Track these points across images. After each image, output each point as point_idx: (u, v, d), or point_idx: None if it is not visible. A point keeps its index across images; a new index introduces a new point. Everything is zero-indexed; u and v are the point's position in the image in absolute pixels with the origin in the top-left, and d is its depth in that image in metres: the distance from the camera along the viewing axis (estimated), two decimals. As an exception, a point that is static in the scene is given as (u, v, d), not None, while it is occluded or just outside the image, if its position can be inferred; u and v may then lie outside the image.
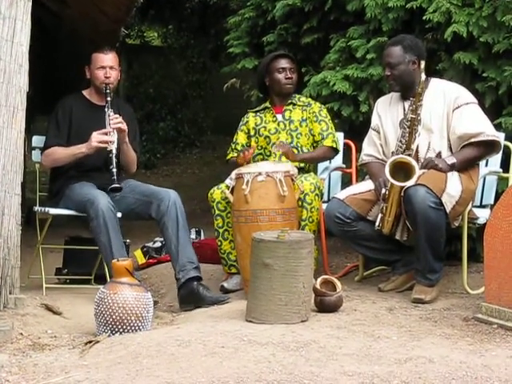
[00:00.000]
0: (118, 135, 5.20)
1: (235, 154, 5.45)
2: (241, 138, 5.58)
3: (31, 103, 4.88)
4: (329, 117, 5.49)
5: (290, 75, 5.42)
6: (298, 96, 5.55)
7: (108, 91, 5.28)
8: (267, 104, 5.57)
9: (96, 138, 5.14)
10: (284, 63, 5.44)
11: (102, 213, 4.93)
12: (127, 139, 5.28)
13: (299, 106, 5.48)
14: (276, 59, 5.47)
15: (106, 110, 5.23)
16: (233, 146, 5.58)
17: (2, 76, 4.50)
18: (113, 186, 5.06)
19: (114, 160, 5.12)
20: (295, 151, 5.34)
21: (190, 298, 4.86)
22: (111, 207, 4.98)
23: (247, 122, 5.58)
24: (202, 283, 4.95)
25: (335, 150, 5.46)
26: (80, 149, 5.18)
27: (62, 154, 5.24)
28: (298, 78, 5.54)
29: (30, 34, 4.63)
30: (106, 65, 5.32)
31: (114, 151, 5.14)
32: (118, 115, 5.24)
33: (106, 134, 5.16)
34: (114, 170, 5.09)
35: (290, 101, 5.49)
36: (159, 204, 5.10)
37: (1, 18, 4.49)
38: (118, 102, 5.43)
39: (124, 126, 5.21)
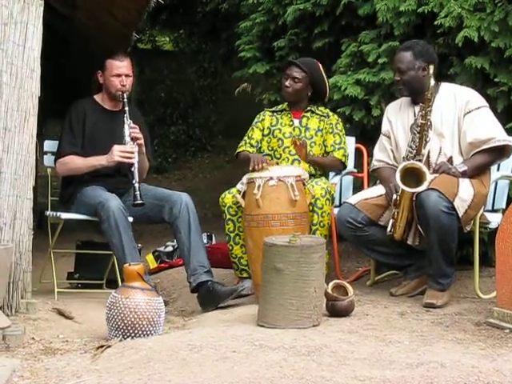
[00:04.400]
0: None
1: (248, 148, 5.40)
2: (256, 134, 5.49)
3: (42, 107, 4.88)
4: (344, 131, 5.45)
5: (288, 83, 5.38)
6: (316, 105, 5.53)
7: (125, 100, 5.23)
8: (285, 106, 5.55)
9: (118, 152, 5.10)
10: (289, 70, 5.41)
11: (113, 214, 4.91)
12: (144, 149, 5.26)
13: (317, 115, 5.45)
14: (287, 66, 5.48)
15: (126, 120, 5.18)
16: (247, 140, 5.49)
17: (13, 81, 4.51)
18: (136, 202, 5.01)
19: (137, 174, 5.06)
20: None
21: (208, 298, 4.87)
22: (122, 209, 4.97)
23: (263, 119, 5.54)
24: (215, 281, 4.96)
25: (343, 165, 5.43)
26: (100, 161, 5.15)
27: (79, 164, 5.19)
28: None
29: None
30: (122, 72, 5.27)
31: (136, 164, 5.08)
32: (137, 126, 5.21)
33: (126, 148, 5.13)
34: (137, 184, 5.03)
35: (308, 108, 5.47)
36: (172, 207, 5.10)
37: (13, 22, 4.50)
38: (130, 109, 5.40)
39: (141, 138, 5.18)
